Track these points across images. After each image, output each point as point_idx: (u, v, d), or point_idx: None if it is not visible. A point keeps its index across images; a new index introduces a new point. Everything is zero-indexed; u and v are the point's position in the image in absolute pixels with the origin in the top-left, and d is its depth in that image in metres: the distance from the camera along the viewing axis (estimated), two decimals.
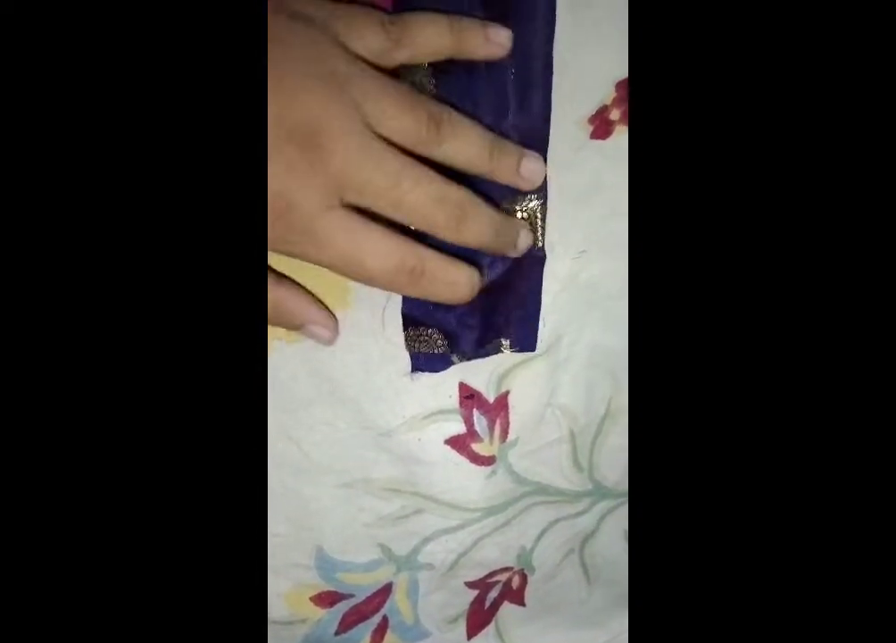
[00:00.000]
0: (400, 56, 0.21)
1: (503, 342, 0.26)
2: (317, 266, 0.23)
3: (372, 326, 0.25)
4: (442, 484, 0.28)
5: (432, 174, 0.21)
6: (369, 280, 0.21)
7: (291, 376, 0.24)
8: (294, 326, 0.23)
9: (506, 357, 0.27)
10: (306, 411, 0.25)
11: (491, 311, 0.26)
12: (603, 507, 0.32)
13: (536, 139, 0.24)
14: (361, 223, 0.20)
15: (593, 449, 0.30)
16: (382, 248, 0.20)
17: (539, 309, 0.26)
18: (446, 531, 0.29)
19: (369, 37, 0.20)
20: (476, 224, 0.22)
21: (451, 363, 0.26)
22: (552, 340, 0.27)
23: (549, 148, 0.25)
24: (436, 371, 0.26)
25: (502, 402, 0.28)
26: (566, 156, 0.25)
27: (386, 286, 0.22)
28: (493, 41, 0.22)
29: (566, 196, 0.25)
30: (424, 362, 0.25)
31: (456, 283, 0.22)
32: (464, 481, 0.28)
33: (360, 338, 0.25)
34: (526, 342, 0.26)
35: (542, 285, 0.26)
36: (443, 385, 0.27)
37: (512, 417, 0.28)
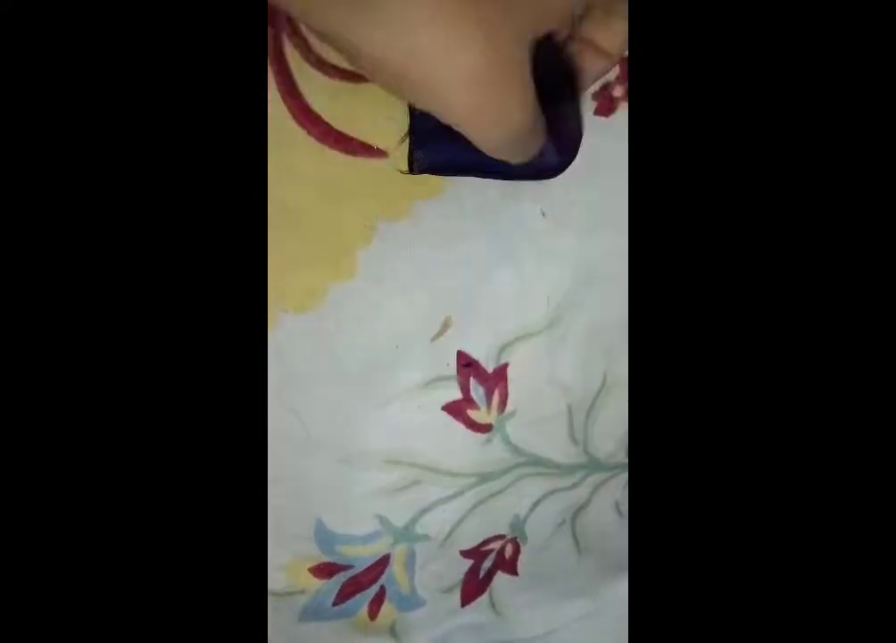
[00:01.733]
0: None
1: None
2: (323, 234, 0.23)
3: (376, 297, 0.25)
4: (439, 452, 0.29)
5: None
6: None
7: (295, 349, 0.24)
8: None
9: (506, 330, 0.28)
10: (308, 384, 0.25)
11: None
12: (596, 479, 0.33)
13: None
14: None
15: (587, 423, 0.31)
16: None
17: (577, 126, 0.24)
18: (443, 501, 0.30)
19: None
20: None
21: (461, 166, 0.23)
22: (554, 317, 0.28)
23: None
24: (438, 170, 0.23)
25: (501, 373, 0.28)
26: None
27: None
28: None
29: (568, 173, 0.26)
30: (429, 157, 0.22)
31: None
32: (460, 447, 0.29)
33: (364, 310, 0.25)
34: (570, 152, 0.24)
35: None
36: (442, 353, 0.27)
37: (511, 389, 0.29)
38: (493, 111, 0.17)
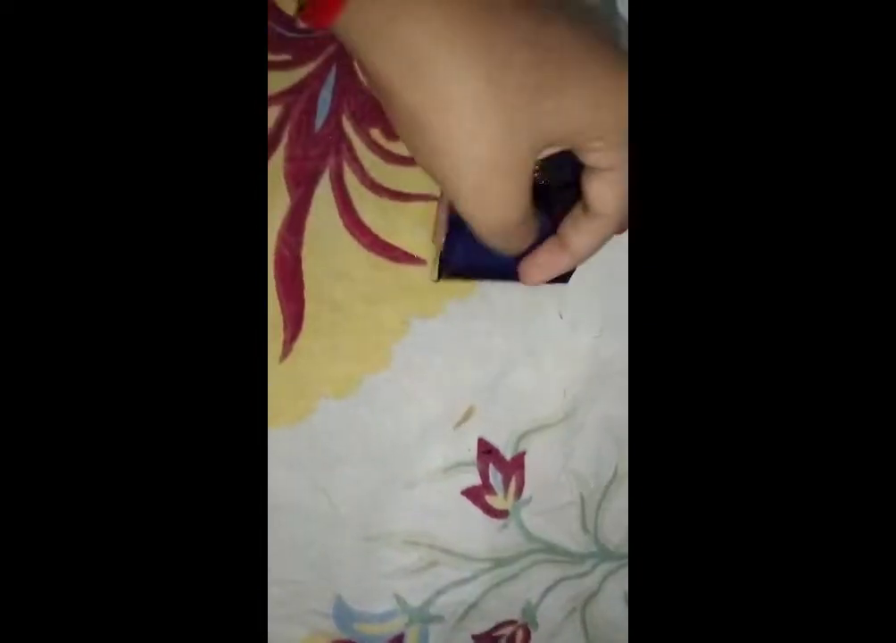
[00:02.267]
0: None
1: None
2: (362, 328, 0.26)
3: (407, 387, 0.27)
4: (456, 535, 0.30)
5: None
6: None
7: (329, 433, 0.26)
8: None
9: (525, 420, 0.29)
10: (339, 466, 0.27)
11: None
12: (606, 569, 0.34)
13: None
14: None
15: (598, 512, 0.32)
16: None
17: None
18: (457, 583, 0.31)
19: None
20: None
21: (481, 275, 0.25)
22: (570, 409, 0.30)
23: None
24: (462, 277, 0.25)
25: (519, 461, 0.30)
26: None
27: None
28: None
29: (586, 280, 0.28)
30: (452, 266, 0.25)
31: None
32: (477, 532, 0.30)
33: (395, 398, 0.27)
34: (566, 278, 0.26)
35: None
36: (464, 440, 0.29)
37: (527, 477, 0.30)
38: (493, 195, 0.19)
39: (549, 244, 0.23)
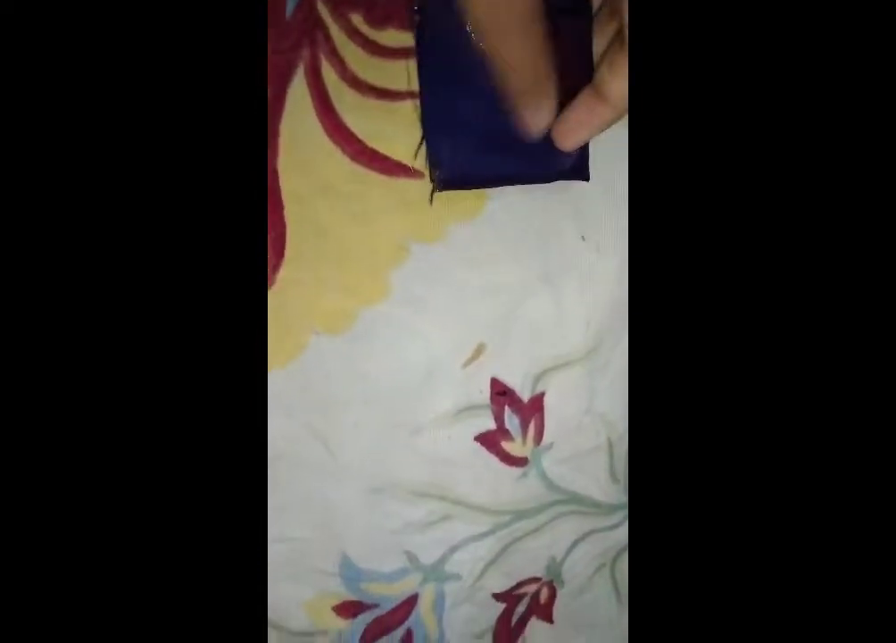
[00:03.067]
0: None
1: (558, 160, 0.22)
2: (354, 254, 0.23)
3: (410, 320, 0.24)
4: (470, 485, 0.27)
5: None
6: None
7: (324, 373, 0.23)
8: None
9: (543, 357, 0.26)
10: (337, 410, 0.24)
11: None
12: None
13: None
14: None
15: (628, 459, 0.29)
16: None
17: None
18: (474, 538, 0.28)
19: None
20: None
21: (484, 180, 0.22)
22: (594, 344, 0.26)
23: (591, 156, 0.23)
24: (465, 186, 0.22)
25: (538, 403, 0.27)
26: (608, 155, 0.24)
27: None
28: None
29: (610, 198, 0.25)
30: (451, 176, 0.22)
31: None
32: (493, 482, 0.27)
33: (397, 333, 0.24)
34: (581, 167, 0.23)
35: None
36: (475, 379, 0.26)
37: (548, 420, 0.27)
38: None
39: (583, 96, 0.19)
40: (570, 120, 0.20)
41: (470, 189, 0.23)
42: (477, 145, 0.22)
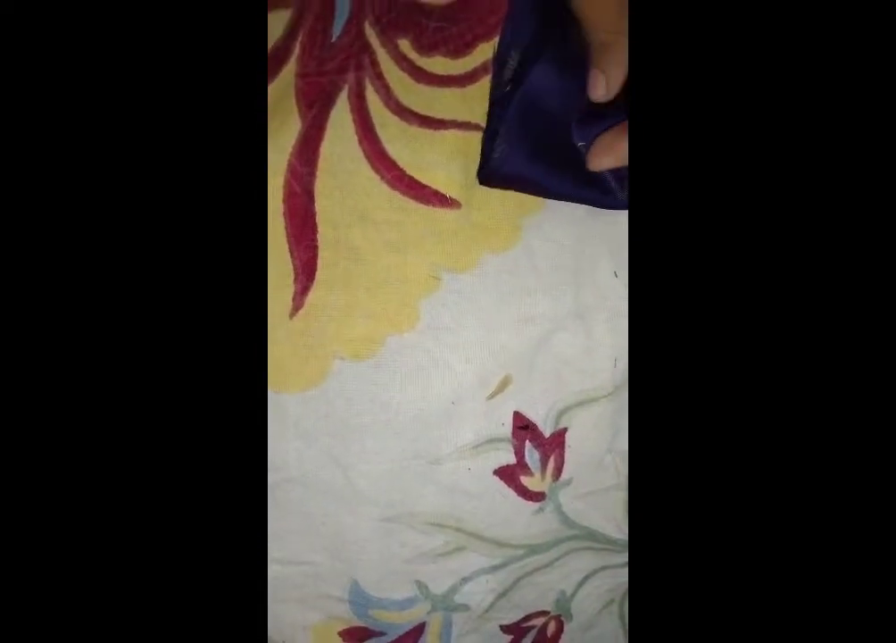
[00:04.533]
0: None
1: (612, 189, 0.23)
2: (385, 281, 0.22)
3: (436, 350, 0.24)
4: (486, 518, 0.27)
5: None
6: None
7: (346, 400, 0.23)
8: None
9: (568, 393, 0.26)
10: (357, 437, 0.24)
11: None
12: None
13: None
14: None
15: None
16: None
17: None
18: (486, 571, 0.28)
19: None
20: None
21: (527, 186, 0.22)
22: (620, 382, 0.26)
23: None
24: (513, 180, 0.22)
25: (559, 438, 0.26)
26: None
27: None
28: None
29: None
30: (505, 164, 0.21)
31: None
32: (510, 515, 0.27)
33: (423, 362, 0.24)
34: (624, 198, 0.23)
35: None
36: (499, 411, 0.25)
37: (568, 456, 0.27)
38: None
39: (619, 127, 0.20)
40: (603, 141, 0.20)
41: (506, 190, 0.22)
42: (533, 151, 0.21)
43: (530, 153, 0.21)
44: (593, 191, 0.22)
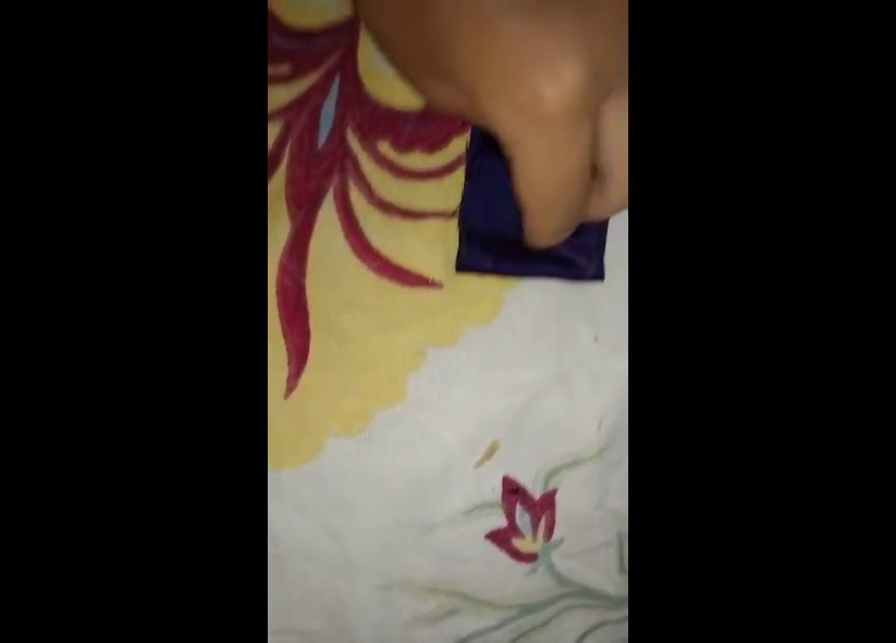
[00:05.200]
0: None
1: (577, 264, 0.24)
2: (374, 360, 0.24)
3: (425, 421, 0.25)
4: (480, 581, 0.27)
5: None
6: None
7: (339, 474, 0.24)
8: None
9: (555, 455, 0.27)
10: (351, 510, 0.25)
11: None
12: None
13: None
14: None
15: None
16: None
17: (605, 239, 0.24)
18: (482, 632, 0.28)
19: None
20: None
21: (505, 267, 0.23)
22: (605, 442, 0.27)
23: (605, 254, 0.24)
24: (483, 269, 0.23)
25: (549, 500, 0.27)
26: (621, 260, 0.25)
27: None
28: None
29: (624, 301, 0.25)
30: (471, 258, 0.23)
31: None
32: (502, 577, 0.28)
33: (412, 434, 0.25)
34: (599, 270, 0.24)
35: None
36: (488, 477, 0.26)
37: (558, 516, 0.28)
38: (565, 141, 0.16)
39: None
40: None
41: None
42: (490, 240, 0.23)
43: (486, 243, 0.22)
44: (556, 267, 0.23)
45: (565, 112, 0.15)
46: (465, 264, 0.23)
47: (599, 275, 0.24)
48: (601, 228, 0.24)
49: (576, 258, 0.24)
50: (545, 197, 0.18)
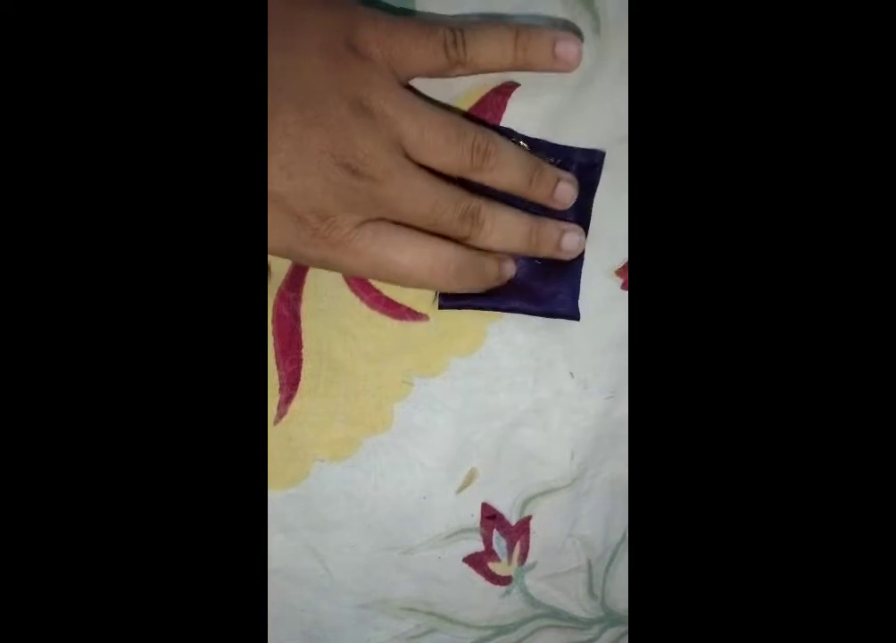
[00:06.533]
0: (458, 73, 0.21)
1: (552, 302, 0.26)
2: (362, 388, 0.25)
3: (408, 448, 0.26)
4: (457, 602, 0.28)
5: (464, 193, 0.22)
6: (406, 279, 0.22)
7: (326, 498, 0.25)
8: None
9: (531, 483, 0.28)
10: (335, 532, 0.26)
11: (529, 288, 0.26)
12: (613, 634, 0.32)
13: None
14: (393, 230, 0.21)
15: (606, 577, 0.31)
16: (415, 250, 0.21)
17: (579, 282, 0.26)
18: None
19: (428, 60, 0.20)
20: (503, 232, 0.23)
21: (482, 304, 0.25)
22: (578, 473, 0.28)
23: (581, 297, 0.26)
24: (461, 306, 0.25)
25: (524, 526, 0.29)
26: (598, 305, 0.26)
27: (425, 282, 0.22)
28: (561, 58, 0.21)
29: (599, 342, 0.27)
30: (450, 297, 0.24)
31: (489, 274, 0.24)
32: (478, 599, 0.29)
33: (396, 460, 0.26)
34: (573, 310, 0.26)
35: (581, 266, 0.26)
36: (468, 503, 0.27)
37: (532, 541, 0.29)
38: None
39: None
40: None
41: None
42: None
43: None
44: (531, 305, 0.25)
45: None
46: (445, 302, 0.24)
47: (573, 314, 0.26)
48: (575, 269, 0.26)
49: (550, 297, 0.25)
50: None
